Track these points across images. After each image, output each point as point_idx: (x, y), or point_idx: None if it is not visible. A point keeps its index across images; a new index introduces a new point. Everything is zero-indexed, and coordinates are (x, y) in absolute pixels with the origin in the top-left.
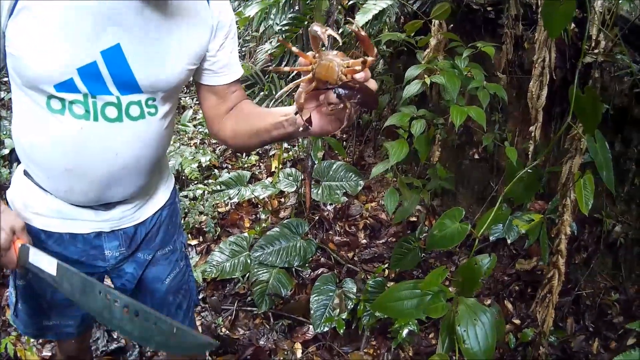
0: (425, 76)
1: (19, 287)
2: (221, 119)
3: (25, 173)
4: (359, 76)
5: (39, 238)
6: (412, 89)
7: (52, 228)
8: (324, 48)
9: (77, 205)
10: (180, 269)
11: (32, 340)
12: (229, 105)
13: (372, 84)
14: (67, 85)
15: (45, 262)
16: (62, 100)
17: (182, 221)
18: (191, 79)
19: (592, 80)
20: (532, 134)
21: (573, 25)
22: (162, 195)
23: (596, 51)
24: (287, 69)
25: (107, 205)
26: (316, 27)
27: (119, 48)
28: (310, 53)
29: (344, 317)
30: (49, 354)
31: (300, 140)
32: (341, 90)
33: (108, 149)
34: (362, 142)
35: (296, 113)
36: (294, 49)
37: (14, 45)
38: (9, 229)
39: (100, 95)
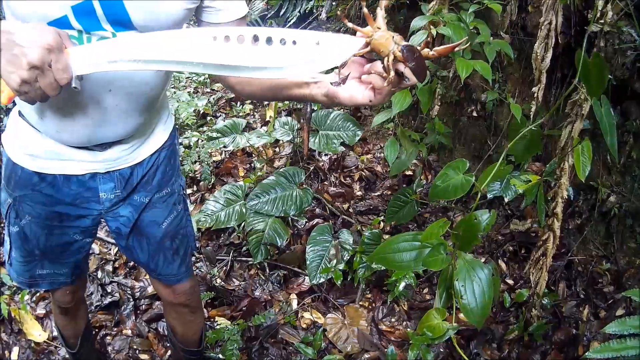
0: (431, 27)
1: (12, 234)
2: None
3: (20, 114)
4: (409, 60)
5: (32, 181)
6: (417, 39)
7: (45, 170)
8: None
9: (71, 146)
10: (177, 213)
11: (25, 298)
12: None
13: (413, 80)
14: (61, 23)
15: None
16: None
17: None
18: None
19: (597, 48)
20: (535, 95)
21: None
22: (160, 136)
23: (602, 21)
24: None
25: (103, 146)
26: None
27: None
28: (368, 28)
29: (340, 268)
30: (43, 311)
31: None
32: (404, 49)
33: (100, 86)
34: None
35: (336, 68)
36: (350, 24)
37: None
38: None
39: (95, 32)
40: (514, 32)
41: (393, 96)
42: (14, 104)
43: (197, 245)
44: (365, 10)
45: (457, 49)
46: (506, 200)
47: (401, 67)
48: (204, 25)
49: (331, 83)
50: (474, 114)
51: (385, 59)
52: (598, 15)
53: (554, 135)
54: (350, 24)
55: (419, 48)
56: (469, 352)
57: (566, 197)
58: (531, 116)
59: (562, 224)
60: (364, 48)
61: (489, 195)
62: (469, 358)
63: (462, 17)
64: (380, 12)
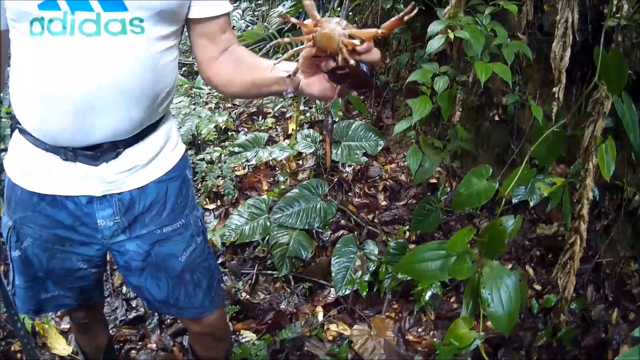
0: (449, 31)
1: (14, 259)
2: (214, 62)
3: (18, 129)
4: (360, 47)
5: (32, 201)
6: (434, 44)
7: (42, 189)
8: (327, 14)
9: (62, 157)
10: (197, 245)
11: (49, 314)
12: (221, 48)
13: (375, 54)
14: (48, 3)
15: None
16: (42, 20)
17: (200, 185)
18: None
19: (615, 44)
20: (556, 95)
21: None
22: (164, 161)
23: (618, 15)
24: (287, 40)
25: (94, 155)
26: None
27: None
28: (309, 21)
29: (366, 279)
30: (67, 326)
31: (318, 101)
32: (330, 76)
33: (82, 65)
34: (380, 104)
35: (288, 77)
36: (293, 19)
37: None
38: None
39: (79, 12)
40: (532, 32)
41: (413, 103)
42: (18, 123)
43: (221, 260)
44: (293, 20)
45: (406, 17)
46: (531, 204)
47: (355, 57)
48: (192, 29)
49: (284, 92)
50: (496, 118)
51: (338, 56)
52: (614, 9)
53: (577, 136)
54: (293, 20)
55: (362, 32)
56: None
57: (591, 198)
58: (553, 117)
59: (589, 226)
60: (311, 50)
61: (514, 201)
62: None
63: (478, 20)
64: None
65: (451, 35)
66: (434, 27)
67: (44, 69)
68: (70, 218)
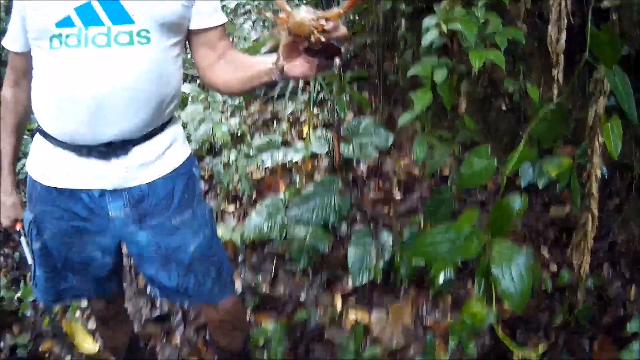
0: (441, 24)
1: (35, 251)
2: (213, 67)
3: (40, 132)
4: (328, 26)
5: (50, 196)
6: (429, 37)
7: (59, 184)
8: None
9: (77, 153)
10: (205, 237)
11: (76, 314)
12: (218, 54)
13: (342, 30)
14: (64, 22)
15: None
16: (60, 36)
17: (218, 187)
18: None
19: (611, 23)
20: (555, 78)
21: None
22: (171, 159)
23: None
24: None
25: (106, 151)
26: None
27: None
28: (282, 14)
29: (381, 266)
30: (94, 325)
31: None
32: (308, 53)
33: (94, 72)
34: (391, 103)
35: (274, 64)
36: (268, 14)
37: (24, 3)
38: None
39: (92, 26)
40: (532, 21)
41: (414, 95)
42: (39, 127)
43: (241, 258)
44: (268, 14)
45: None
46: (540, 186)
47: (326, 35)
48: (193, 40)
49: (273, 77)
50: (503, 107)
51: (311, 37)
52: None
53: (584, 119)
54: (268, 14)
55: (327, 13)
56: (514, 342)
57: (600, 176)
58: (554, 99)
59: (601, 206)
60: (288, 37)
61: (523, 184)
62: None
63: (472, 11)
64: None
65: (444, 28)
66: (428, 21)
67: (61, 77)
68: (85, 210)
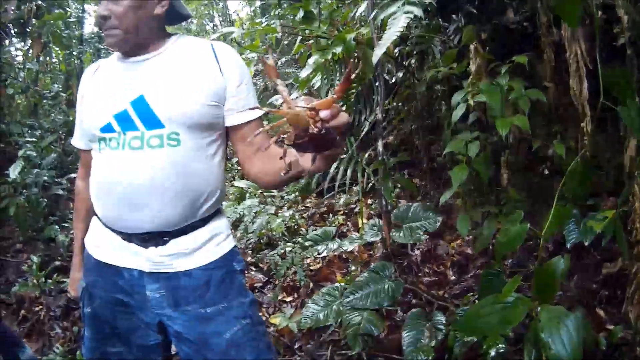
0: (469, 98)
1: (86, 314)
2: (251, 160)
3: (96, 215)
4: (323, 114)
5: (99, 268)
6: (458, 112)
7: (107, 259)
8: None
9: (121, 236)
10: (242, 326)
11: None
12: (255, 147)
13: (341, 118)
14: (107, 128)
15: None
16: (105, 140)
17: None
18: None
19: (628, 58)
20: (585, 129)
21: (600, 13)
22: (209, 252)
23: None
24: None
25: (144, 239)
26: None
27: (143, 98)
28: (284, 105)
29: (432, 344)
30: None
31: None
32: (295, 147)
33: (129, 170)
34: (440, 186)
35: (281, 158)
36: (265, 109)
37: (81, 110)
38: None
39: (129, 131)
40: (560, 77)
41: (452, 173)
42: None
43: (298, 345)
44: (265, 109)
45: (352, 75)
46: (586, 244)
47: (325, 125)
48: (232, 135)
49: (282, 174)
50: (545, 171)
51: (310, 128)
52: (624, 26)
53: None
54: (265, 109)
55: (321, 102)
56: None
57: None
58: (587, 152)
59: None
60: (288, 127)
61: (568, 244)
62: None
63: (496, 81)
64: (281, 87)
65: (471, 102)
66: (456, 97)
67: (104, 173)
68: (127, 285)
